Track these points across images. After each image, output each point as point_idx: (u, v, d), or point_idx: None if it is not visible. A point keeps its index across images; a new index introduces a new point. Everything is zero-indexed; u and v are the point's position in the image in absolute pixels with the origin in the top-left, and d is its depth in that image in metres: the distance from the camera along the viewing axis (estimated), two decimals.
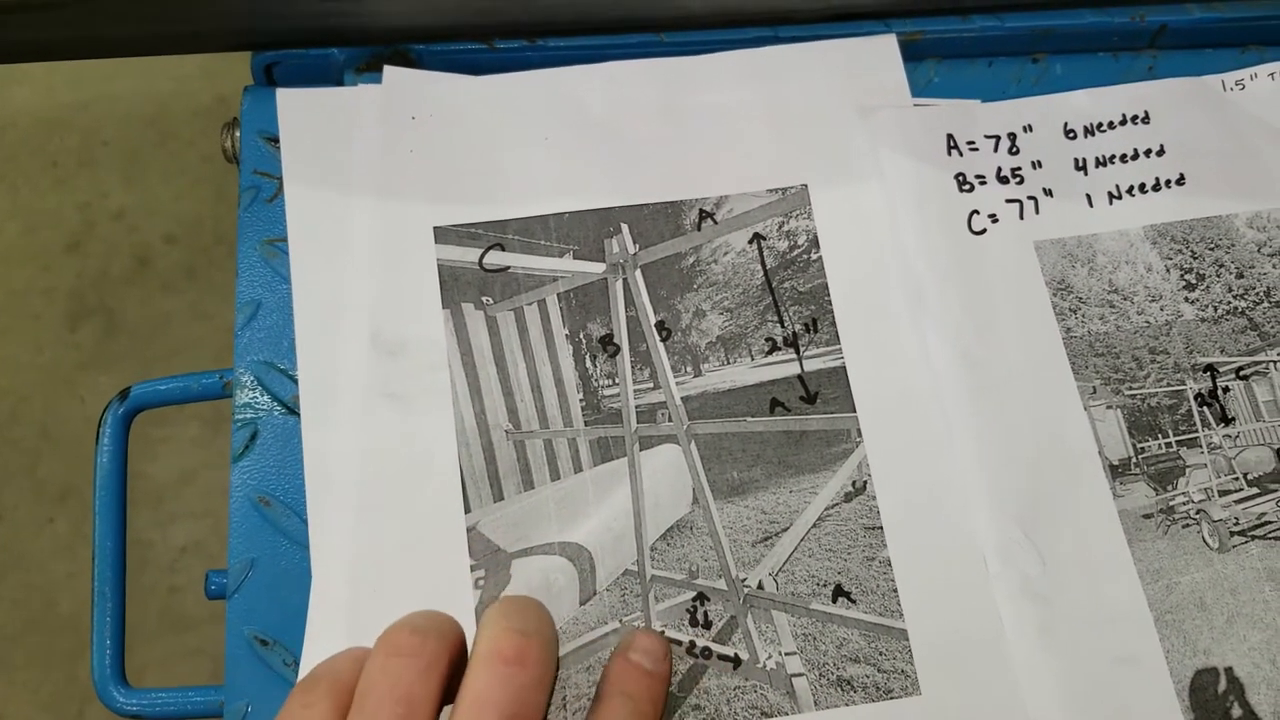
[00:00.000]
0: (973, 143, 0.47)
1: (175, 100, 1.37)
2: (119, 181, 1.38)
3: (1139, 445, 0.42)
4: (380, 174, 0.45)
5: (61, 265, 1.35)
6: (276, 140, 0.46)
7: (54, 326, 1.32)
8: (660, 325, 0.44)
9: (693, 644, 0.39)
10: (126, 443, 0.43)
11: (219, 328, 1.31)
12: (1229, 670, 0.39)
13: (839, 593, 0.40)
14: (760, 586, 0.40)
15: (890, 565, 0.40)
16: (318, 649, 0.38)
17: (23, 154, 1.37)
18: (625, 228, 0.45)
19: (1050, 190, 0.46)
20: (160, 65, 1.38)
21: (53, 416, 1.26)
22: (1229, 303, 0.44)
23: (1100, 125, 0.47)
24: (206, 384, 0.44)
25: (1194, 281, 0.45)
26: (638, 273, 0.45)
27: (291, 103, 0.46)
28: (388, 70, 0.47)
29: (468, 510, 0.41)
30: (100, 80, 1.39)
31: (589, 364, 0.43)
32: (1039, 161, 0.47)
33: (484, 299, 0.44)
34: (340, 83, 0.48)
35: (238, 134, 0.47)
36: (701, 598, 0.40)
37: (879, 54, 0.48)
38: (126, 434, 0.43)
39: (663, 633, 0.38)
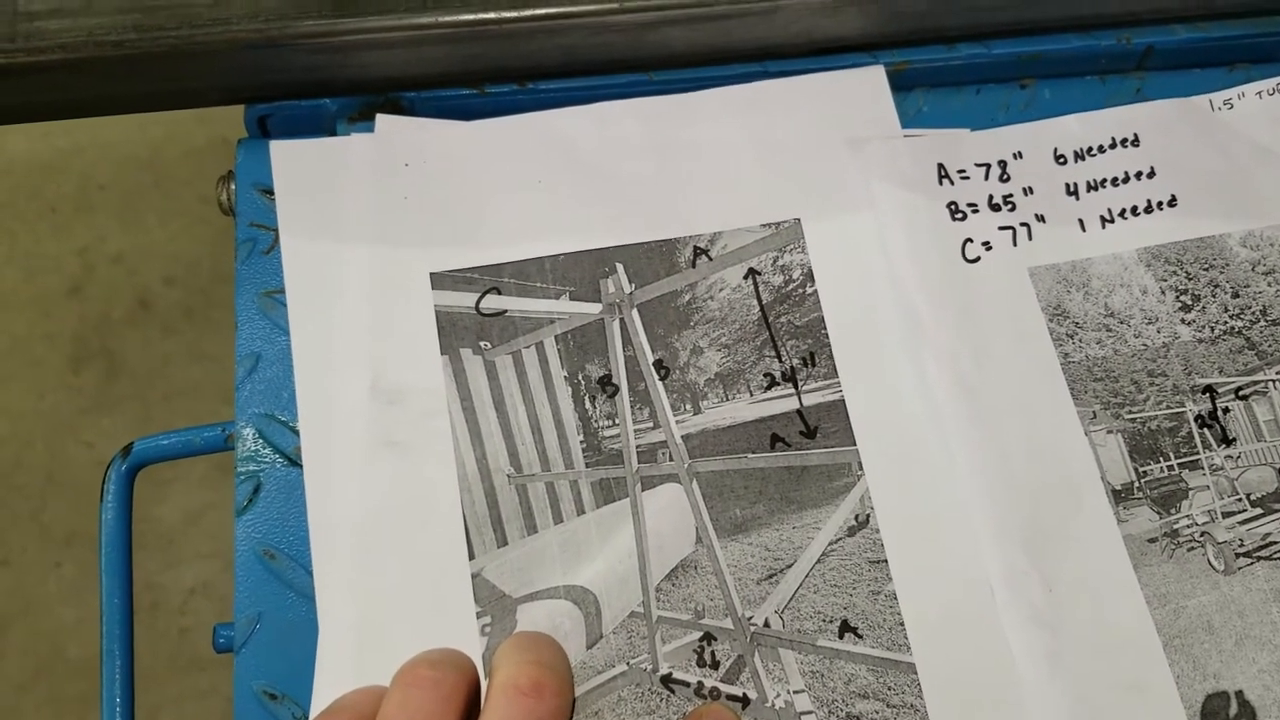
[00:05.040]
0: (963, 171, 0.47)
1: (169, 143, 1.38)
2: (117, 225, 1.39)
3: (1141, 469, 0.42)
4: (375, 222, 0.46)
5: (62, 310, 1.36)
6: (271, 192, 0.46)
7: (56, 371, 1.32)
8: (658, 364, 0.44)
9: (700, 685, 0.39)
10: (131, 498, 0.43)
11: (220, 368, 1.31)
12: (1239, 694, 0.39)
13: (845, 628, 0.40)
14: (767, 624, 0.40)
15: (896, 598, 0.40)
16: (327, 701, 0.38)
17: (20, 200, 1.38)
18: (620, 267, 0.45)
19: (1043, 216, 0.46)
20: None
21: (57, 461, 1.26)
22: (1225, 323, 0.44)
23: (1090, 149, 0.48)
24: (209, 437, 0.44)
25: (1189, 302, 0.45)
26: (634, 312, 0.45)
27: (285, 154, 0.47)
28: (380, 118, 0.48)
29: (472, 556, 0.41)
30: (94, 125, 1.39)
31: (588, 405, 0.43)
32: (1030, 188, 0.47)
33: (482, 343, 0.44)
34: (333, 132, 0.48)
35: (233, 187, 0.48)
36: (708, 638, 0.40)
37: (867, 86, 0.48)
38: (131, 490, 0.43)
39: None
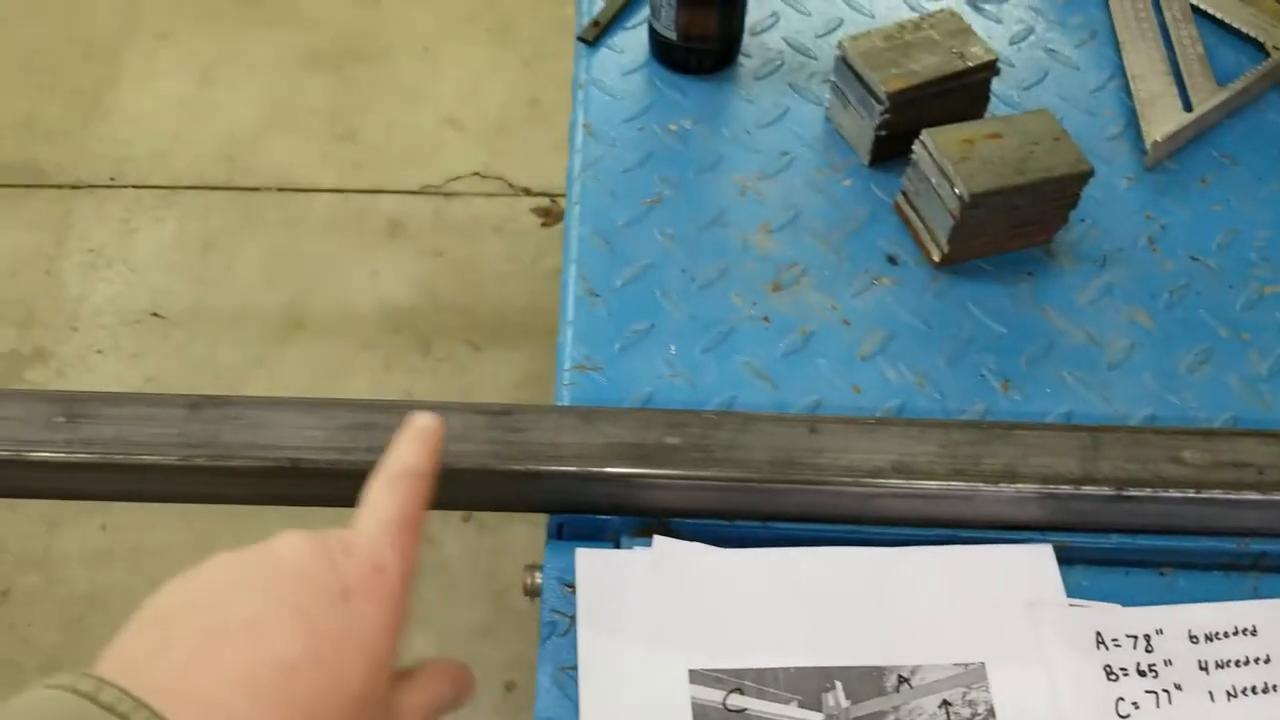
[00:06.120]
0: (1116, 640, 0.59)
1: None
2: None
3: None
4: (649, 622, 0.59)
5: None
6: (571, 585, 0.60)
7: None
8: None
9: None
10: None
11: None
12: None
13: None
14: None
15: None
16: None
17: None
18: (839, 685, 0.57)
19: (1180, 685, 0.58)
20: None
21: None
22: None
23: (1218, 634, 0.59)
24: None
25: None
26: None
27: (587, 560, 0.61)
28: (656, 539, 0.62)
29: None
30: None
31: None
32: (1170, 660, 0.58)
33: None
34: (617, 541, 0.63)
35: (538, 577, 0.61)
36: None
37: (1039, 559, 0.62)
38: None
39: None
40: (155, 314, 1.75)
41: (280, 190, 1.93)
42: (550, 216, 1.91)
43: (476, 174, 1.96)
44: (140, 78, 2.06)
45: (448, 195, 1.93)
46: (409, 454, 0.46)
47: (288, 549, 0.39)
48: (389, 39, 2.15)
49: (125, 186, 1.90)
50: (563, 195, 2.01)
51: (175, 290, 1.78)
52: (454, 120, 2.04)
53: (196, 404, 0.61)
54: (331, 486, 0.60)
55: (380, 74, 2.10)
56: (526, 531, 1.56)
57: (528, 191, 1.94)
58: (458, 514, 1.56)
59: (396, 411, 0.61)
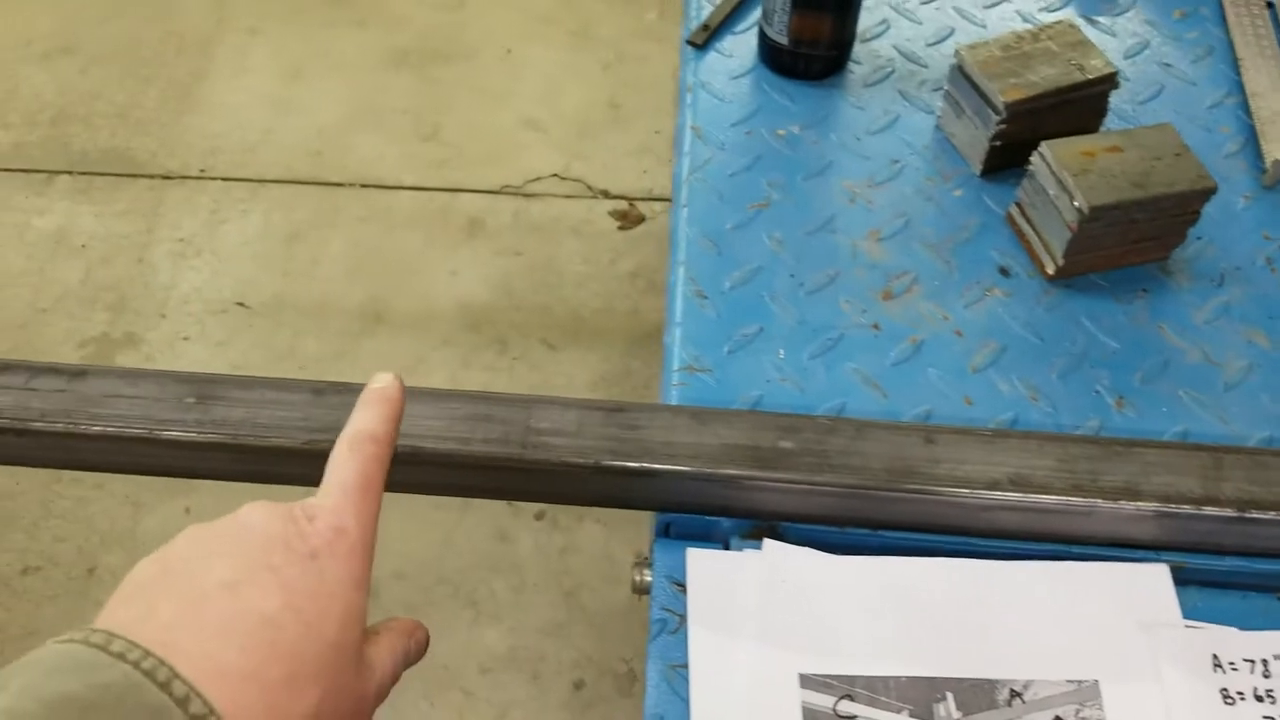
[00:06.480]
0: (1234, 663, 0.58)
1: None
2: None
3: None
4: (759, 624, 0.59)
5: None
6: (680, 584, 0.60)
7: None
8: None
9: None
10: None
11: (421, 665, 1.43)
12: None
13: None
14: None
15: None
16: None
17: None
18: (950, 696, 0.57)
19: None
20: None
21: None
22: None
23: None
24: None
25: None
26: None
27: (697, 560, 0.61)
28: (767, 542, 0.62)
29: None
30: None
31: None
32: None
33: None
34: (725, 543, 0.63)
35: (648, 575, 0.62)
36: None
37: (1155, 578, 0.61)
38: None
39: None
40: (240, 303, 1.78)
41: (364, 186, 1.95)
42: (628, 220, 1.92)
43: (556, 175, 1.98)
44: (231, 73, 2.11)
45: (527, 196, 1.95)
46: (368, 418, 0.47)
47: (255, 517, 0.41)
48: (472, 40, 2.18)
49: (214, 178, 1.94)
50: (640, 199, 2.02)
51: (260, 281, 1.82)
52: (534, 122, 2.06)
53: (320, 390, 0.62)
54: (450, 475, 0.61)
55: (463, 74, 2.13)
56: (598, 531, 1.57)
57: (606, 194, 1.95)
58: (531, 512, 1.57)
59: (514, 405, 0.62)
